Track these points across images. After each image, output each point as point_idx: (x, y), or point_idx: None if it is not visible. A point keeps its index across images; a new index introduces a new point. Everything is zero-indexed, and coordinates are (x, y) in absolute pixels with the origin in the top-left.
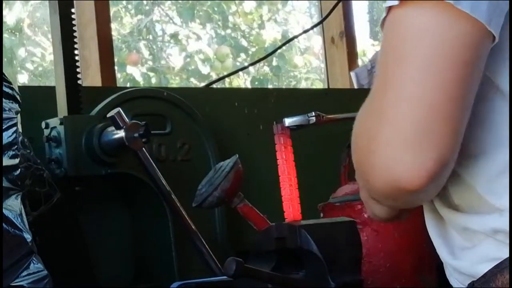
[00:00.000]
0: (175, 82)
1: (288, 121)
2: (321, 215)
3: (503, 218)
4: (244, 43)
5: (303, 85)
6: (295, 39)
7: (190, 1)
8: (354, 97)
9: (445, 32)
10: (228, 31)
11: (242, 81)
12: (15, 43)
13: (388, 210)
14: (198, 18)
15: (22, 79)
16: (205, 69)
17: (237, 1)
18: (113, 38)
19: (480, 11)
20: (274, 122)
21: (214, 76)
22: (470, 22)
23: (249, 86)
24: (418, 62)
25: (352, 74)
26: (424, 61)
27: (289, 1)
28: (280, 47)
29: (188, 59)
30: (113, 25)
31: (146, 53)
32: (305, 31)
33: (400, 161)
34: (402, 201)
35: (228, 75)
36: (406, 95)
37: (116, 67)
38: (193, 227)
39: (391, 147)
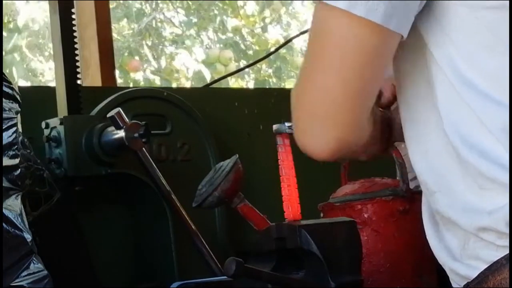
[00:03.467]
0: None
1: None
2: (321, 215)
3: (492, 216)
4: (246, 46)
5: None
6: (295, 41)
7: (193, 4)
8: None
9: (344, 35)
10: (230, 34)
11: (244, 83)
12: (16, 61)
13: None
14: (200, 21)
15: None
16: (207, 73)
17: (239, 4)
18: (114, 39)
19: (375, 15)
20: (273, 128)
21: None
22: (368, 26)
23: (251, 87)
24: (326, 59)
25: None
26: (330, 59)
27: (291, 2)
28: (279, 48)
29: (191, 62)
30: (114, 29)
31: (148, 57)
32: (305, 32)
33: (307, 135)
34: None
35: (229, 75)
36: (316, 84)
37: (118, 71)
38: (193, 227)
39: (303, 123)
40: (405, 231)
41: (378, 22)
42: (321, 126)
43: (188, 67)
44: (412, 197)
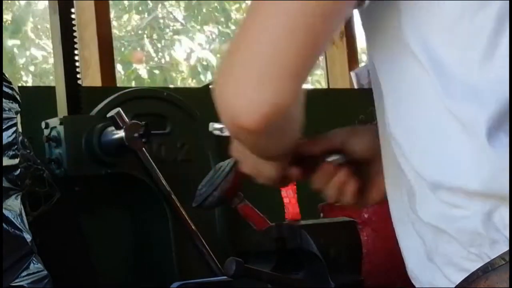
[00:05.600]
0: (180, 79)
1: None
2: (321, 215)
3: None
4: None
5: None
6: None
7: (193, 1)
8: (354, 97)
9: None
10: (232, 28)
11: None
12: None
13: (270, 168)
14: (201, 16)
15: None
16: (209, 67)
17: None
18: (117, 36)
19: None
20: None
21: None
22: None
23: None
24: (268, 14)
25: (352, 74)
26: (273, 15)
27: None
28: None
29: (192, 57)
30: (117, 24)
31: (151, 50)
32: None
33: (240, 98)
34: (247, 143)
35: None
36: (256, 37)
37: (121, 65)
38: (193, 227)
39: (235, 82)
40: None
41: None
42: (254, 90)
43: (192, 51)
44: None
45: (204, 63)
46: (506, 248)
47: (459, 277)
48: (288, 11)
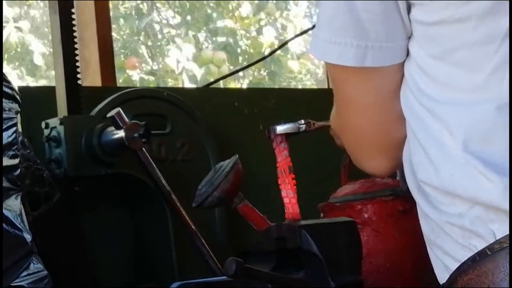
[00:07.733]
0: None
1: (279, 129)
2: (321, 215)
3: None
4: (241, 48)
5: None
6: (291, 44)
7: (188, 5)
8: None
9: (343, 82)
10: (225, 36)
11: (238, 86)
12: None
13: None
14: (195, 22)
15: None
16: (200, 74)
17: (234, 5)
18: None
19: (347, 59)
20: (266, 131)
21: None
22: (346, 70)
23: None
24: (345, 104)
25: None
26: (348, 104)
27: (287, 5)
28: (276, 50)
29: (185, 63)
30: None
31: (145, 56)
32: (304, 32)
33: (365, 164)
34: None
35: (225, 77)
36: (352, 127)
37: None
38: (193, 227)
39: (357, 156)
40: (405, 231)
41: (351, 65)
42: (372, 158)
43: (179, 61)
44: (412, 197)
45: (191, 73)
46: (492, 239)
47: (454, 267)
48: (367, 105)
